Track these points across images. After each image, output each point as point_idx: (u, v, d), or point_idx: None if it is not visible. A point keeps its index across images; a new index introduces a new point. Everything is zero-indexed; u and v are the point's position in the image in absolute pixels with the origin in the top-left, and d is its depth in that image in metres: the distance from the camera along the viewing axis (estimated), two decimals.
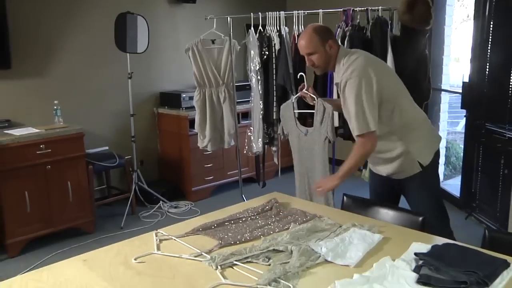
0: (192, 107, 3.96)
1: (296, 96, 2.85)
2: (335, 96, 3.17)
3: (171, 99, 4.80)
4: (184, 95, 4.64)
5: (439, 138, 2.51)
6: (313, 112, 2.67)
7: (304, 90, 2.71)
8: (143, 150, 4.88)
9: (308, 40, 2.32)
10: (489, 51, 3.80)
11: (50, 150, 3.60)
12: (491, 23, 3.73)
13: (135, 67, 4.35)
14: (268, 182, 4.15)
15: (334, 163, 3.49)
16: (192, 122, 4.29)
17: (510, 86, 3.44)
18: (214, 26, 3.77)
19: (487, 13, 3.75)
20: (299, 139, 2.76)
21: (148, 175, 4.84)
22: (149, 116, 4.97)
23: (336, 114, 2.96)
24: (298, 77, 2.85)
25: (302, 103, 2.94)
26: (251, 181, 5.09)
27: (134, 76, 4.29)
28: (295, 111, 2.82)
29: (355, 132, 2.24)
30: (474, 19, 3.92)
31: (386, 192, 2.56)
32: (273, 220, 2.02)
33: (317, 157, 2.70)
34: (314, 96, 2.70)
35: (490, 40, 3.77)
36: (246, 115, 4.85)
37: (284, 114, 2.84)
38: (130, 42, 4.11)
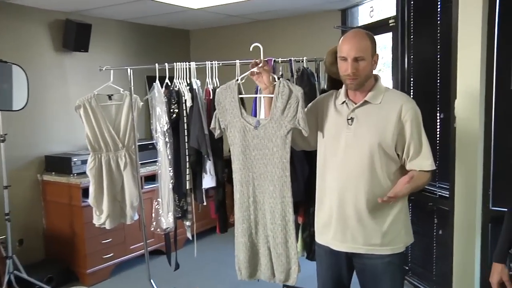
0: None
1: (244, 75, 2.31)
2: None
3: (59, 163, 4.09)
4: (75, 159, 3.99)
5: None
6: (270, 97, 2.16)
7: (259, 66, 2.18)
8: (22, 227, 4.03)
9: (361, 41, 1.96)
10: None
11: None
12: (411, 78, 3.61)
13: (11, 127, 3.64)
14: (181, 252, 3.54)
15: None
16: (86, 191, 3.61)
17: (438, 142, 3.27)
18: (111, 78, 3.19)
19: (406, 66, 3.63)
20: (245, 135, 2.20)
21: (29, 258, 3.97)
22: (31, 185, 4.15)
23: None
24: (251, 48, 2.33)
25: None
26: (159, 253, 4.43)
27: (9, 137, 3.56)
28: (240, 95, 2.25)
29: (429, 166, 2.02)
30: (392, 79, 3.81)
31: (344, 271, 2.15)
32: None
33: (273, 158, 2.17)
34: (273, 75, 2.23)
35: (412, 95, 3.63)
36: (151, 178, 4.23)
37: (223, 101, 2.24)
38: (2, 97, 3.36)
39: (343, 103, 2.07)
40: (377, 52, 2.02)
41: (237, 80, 2.28)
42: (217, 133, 2.33)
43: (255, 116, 2.74)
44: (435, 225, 3.41)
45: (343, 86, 2.11)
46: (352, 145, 2.01)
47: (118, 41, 4.93)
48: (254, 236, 2.31)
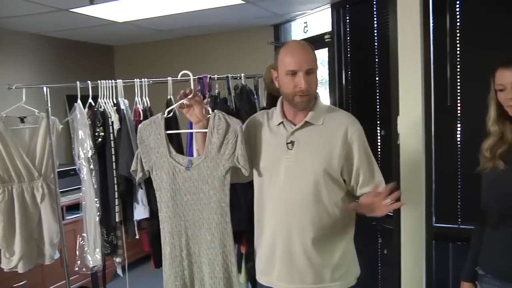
0: None
1: (171, 108, 2.04)
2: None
3: None
4: None
5: None
6: (204, 133, 1.91)
7: (189, 96, 1.90)
8: None
9: (310, 52, 1.79)
10: None
11: None
12: (350, 94, 3.56)
13: None
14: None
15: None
16: None
17: (379, 160, 3.21)
18: (24, 98, 2.80)
19: (343, 82, 3.58)
20: (175, 177, 1.91)
21: None
22: None
23: None
24: (179, 76, 2.17)
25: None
26: None
27: None
28: (168, 132, 1.96)
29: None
30: (329, 96, 3.74)
31: None
32: None
33: (209, 203, 1.90)
34: (207, 107, 1.97)
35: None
36: (73, 207, 3.87)
37: (147, 138, 1.94)
38: None
39: (279, 124, 1.86)
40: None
41: (163, 113, 1.99)
42: (139, 176, 2.00)
43: (192, 155, 2.49)
44: (379, 244, 3.33)
45: (278, 105, 1.91)
46: (293, 172, 1.81)
47: (32, 56, 4.48)
48: None
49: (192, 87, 2.03)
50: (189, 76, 2.11)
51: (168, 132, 1.97)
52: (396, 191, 1.61)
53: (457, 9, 2.67)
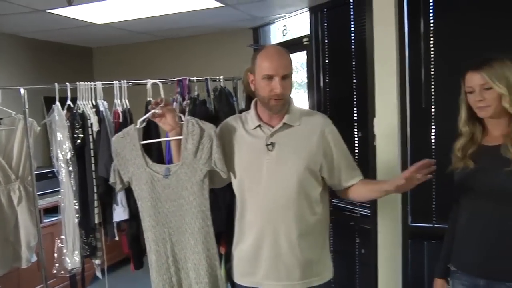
0: None
1: (143, 118, 2.00)
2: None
3: None
4: None
5: None
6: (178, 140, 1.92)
7: (161, 105, 1.91)
8: None
9: (287, 57, 1.86)
10: None
11: None
12: (327, 96, 3.60)
13: None
14: None
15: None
16: None
17: (357, 161, 3.25)
18: (0, 100, 2.78)
19: (321, 85, 3.62)
20: (154, 186, 1.91)
21: None
22: None
23: None
24: (149, 86, 2.16)
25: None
26: None
27: None
28: (143, 142, 1.96)
29: (360, 176, 1.98)
30: (308, 98, 3.78)
31: None
32: None
33: (190, 208, 1.91)
34: (179, 114, 1.99)
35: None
36: (51, 210, 3.84)
37: (122, 150, 1.93)
38: None
39: (256, 127, 1.91)
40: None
41: (136, 124, 1.99)
42: (118, 188, 2.00)
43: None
44: (357, 244, 3.38)
45: (252, 108, 1.95)
46: (276, 172, 1.86)
47: (9, 57, 4.41)
48: None
49: (162, 96, 2.03)
50: (159, 85, 2.12)
51: (143, 142, 1.97)
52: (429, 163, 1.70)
53: (431, 14, 2.74)
